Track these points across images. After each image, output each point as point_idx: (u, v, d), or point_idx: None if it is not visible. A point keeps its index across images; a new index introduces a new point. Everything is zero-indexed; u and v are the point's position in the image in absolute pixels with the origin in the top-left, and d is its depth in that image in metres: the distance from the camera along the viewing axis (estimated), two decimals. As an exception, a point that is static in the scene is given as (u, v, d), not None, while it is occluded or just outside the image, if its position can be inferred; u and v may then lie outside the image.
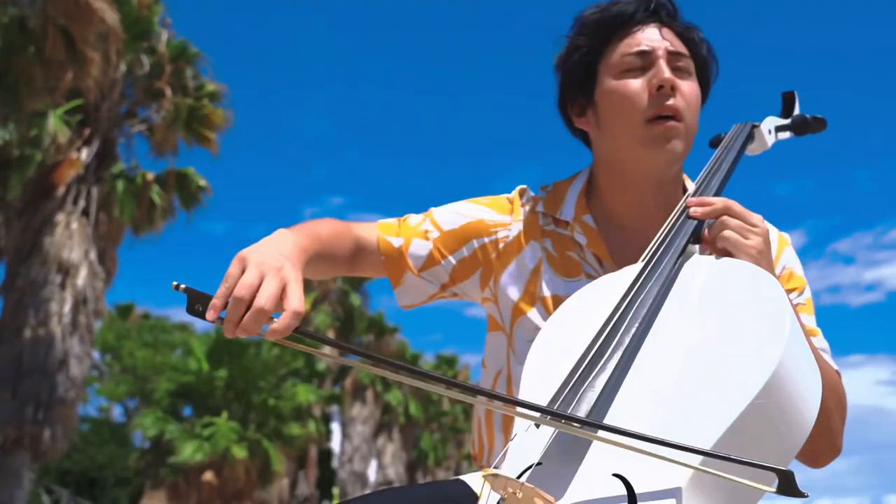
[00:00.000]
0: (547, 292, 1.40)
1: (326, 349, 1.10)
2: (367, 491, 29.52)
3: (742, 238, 1.19)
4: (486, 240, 1.45)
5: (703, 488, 0.91)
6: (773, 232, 1.43)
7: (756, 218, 1.22)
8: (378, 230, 1.47)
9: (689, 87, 1.37)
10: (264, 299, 1.03)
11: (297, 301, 1.05)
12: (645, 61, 1.35)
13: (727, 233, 1.20)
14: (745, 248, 1.18)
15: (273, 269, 1.07)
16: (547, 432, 1.05)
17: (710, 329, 1.07)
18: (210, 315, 1.05)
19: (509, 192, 1.53)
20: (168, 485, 18.51)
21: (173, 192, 15.66)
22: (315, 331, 1.02)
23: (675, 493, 0.90)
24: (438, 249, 1.45)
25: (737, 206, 1.22)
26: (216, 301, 1.05)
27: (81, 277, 14.06)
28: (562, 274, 1.41)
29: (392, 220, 1.51)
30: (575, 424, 0.96)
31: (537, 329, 1.34)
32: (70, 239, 14.04)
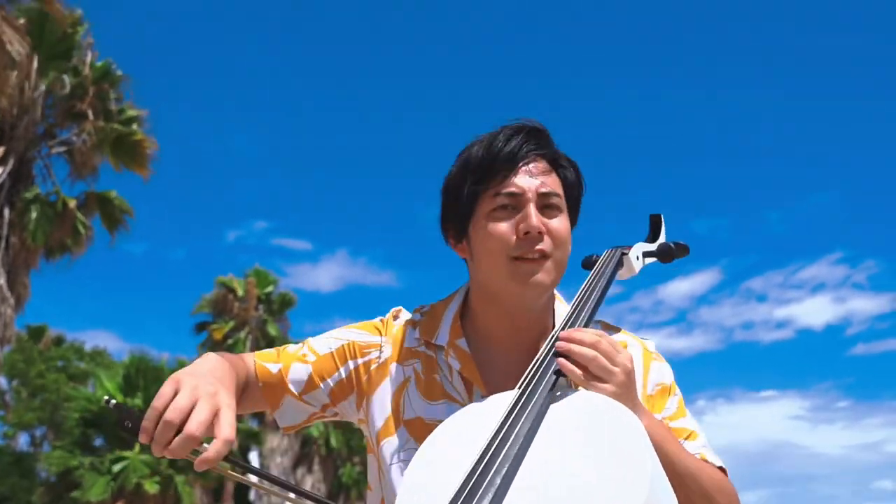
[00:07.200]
0: (410, 414, 1.41)
1: (253, 478, 1.11)
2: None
3: (601, 381, 1.20)
4: (360, 361, 1.47)
5: None
6: (638, 351, 1.48)
7: (621, 357, 1.23)
8: (255, 358, 1.48)
9: (557, 224, 1.40)
10: (195, 425, 1.01)
11: (228, 428, 1.03)
12: (515, 201, 1.37)
13: (589, 374, 1.21)
14: (606, 391, 1.19)
15: (207, 393, 1.05)
16: None
17: (575, 469, 1.08)
18: (142, 438, 1.03)
19: (385, 315, 1.55)
20: (74, 520, 17.88)
21: (94, 215, 15.24)
22: (242, 459, 0.98)
23: None
24: (318, 373, 1.46)
25: (602, 345, 1.23)
26: (146, 424, 1.02)
27: (-12, 304, 13.50)
28: (425, 396, 1.43)
29: (270, 350, 1.52)
30: None
31: (400, 451, 1.38)
32: (-22, 263, 13.47)
